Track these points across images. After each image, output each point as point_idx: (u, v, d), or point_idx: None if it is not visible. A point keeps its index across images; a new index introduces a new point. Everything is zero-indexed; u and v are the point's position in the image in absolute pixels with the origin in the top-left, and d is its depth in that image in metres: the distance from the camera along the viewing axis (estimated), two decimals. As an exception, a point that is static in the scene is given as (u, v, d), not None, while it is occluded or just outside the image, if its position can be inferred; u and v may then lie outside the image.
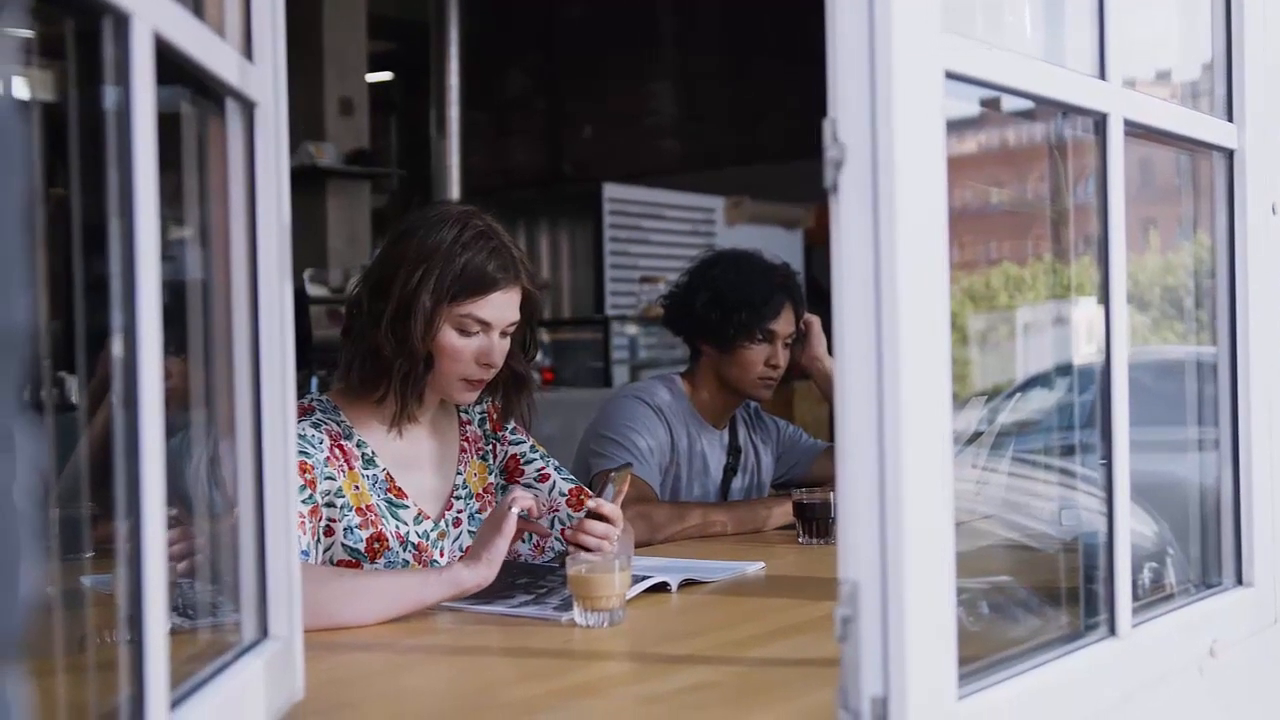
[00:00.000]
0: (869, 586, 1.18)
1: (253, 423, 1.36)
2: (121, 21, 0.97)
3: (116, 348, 1.00)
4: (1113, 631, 1.53)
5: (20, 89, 0.60)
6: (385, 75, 10.71)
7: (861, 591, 1.18)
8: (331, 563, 2.15)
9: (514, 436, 2.45)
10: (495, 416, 2.43)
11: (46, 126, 1.06)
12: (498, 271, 2.20)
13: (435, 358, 2.20)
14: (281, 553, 1.38)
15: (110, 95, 0.99)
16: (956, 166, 1.27)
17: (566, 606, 1.90)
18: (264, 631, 1.37)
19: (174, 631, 1.07)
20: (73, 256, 1.09)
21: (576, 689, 1.60)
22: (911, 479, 1.17)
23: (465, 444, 2.39)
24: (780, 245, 6.98)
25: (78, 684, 1.20)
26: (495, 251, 2.21)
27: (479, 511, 2.36)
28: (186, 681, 1.16)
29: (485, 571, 1.96)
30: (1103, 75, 1.53)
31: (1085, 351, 1.96)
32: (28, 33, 0.88)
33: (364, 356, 2.21)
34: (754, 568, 2.35)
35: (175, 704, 1.08)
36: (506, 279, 2.22)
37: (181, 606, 1.44)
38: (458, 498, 2.34)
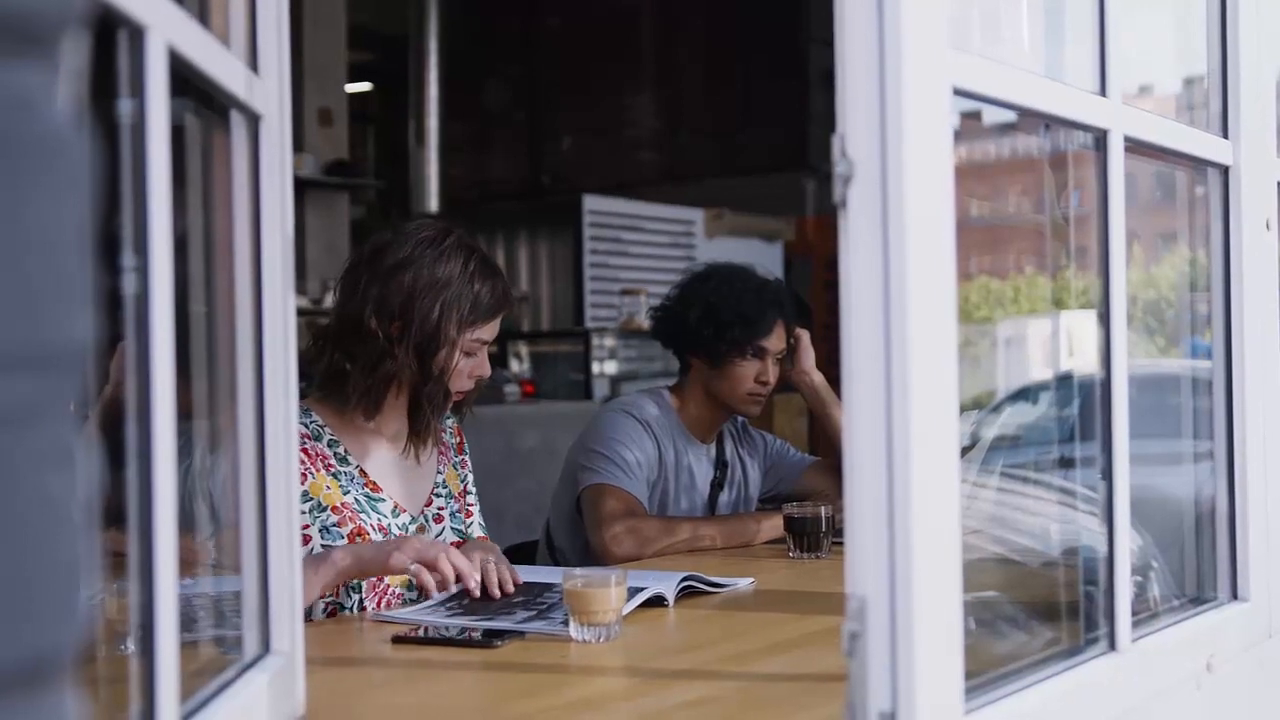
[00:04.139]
0: (877, 602, 1.18)
1: (255, 435, 1.35)
2: (137, 34, 0.97)
3: (128, 358, 0.99)
4: (1113, 646, 1.53)
5: (82, 107, 0.60)
6: (364, 86, 10.70)
7: (869, 607, 1.18)
8: None
9: (467, 464, 2.54)
10: (460, 438, 2.53)
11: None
12: (504, 297, 2.34)
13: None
14: (284, 568, 1.37)
15: (125, 106, 0.98)
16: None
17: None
18: (266, 647, 1.36)
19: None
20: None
21: (576, 704, 1.60)
22: (920, 493, 1.17)
23: (443, 448, 2.48)
24: (760, 258, 6.98)
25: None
26: (498, 277, 2.34)
27: (458, 512, 2.45)
28: (192, 697, 1.15)
29: (349, 561, 2.03)
30: (1103, 91, 1.53)
31: (1070, 366, 1.97)
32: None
33: (380, 383, 2.27)
34: (745, 583, 2.35)
35: (183, 720, 1.07)
36: (508, 301, 2.35)
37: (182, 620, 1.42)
38: (438, 495, 2.43)
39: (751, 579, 2.38)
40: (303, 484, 2.20)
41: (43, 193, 0.54)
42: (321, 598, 2.12)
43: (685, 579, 2.20)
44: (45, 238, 0.54)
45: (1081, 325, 1.71)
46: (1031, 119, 1.62)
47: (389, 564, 2.02)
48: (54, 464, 0.54)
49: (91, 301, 0.57)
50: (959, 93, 1.27)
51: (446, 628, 1.94)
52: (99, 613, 1.46)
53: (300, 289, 7.25)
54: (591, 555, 2.80)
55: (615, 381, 7.34)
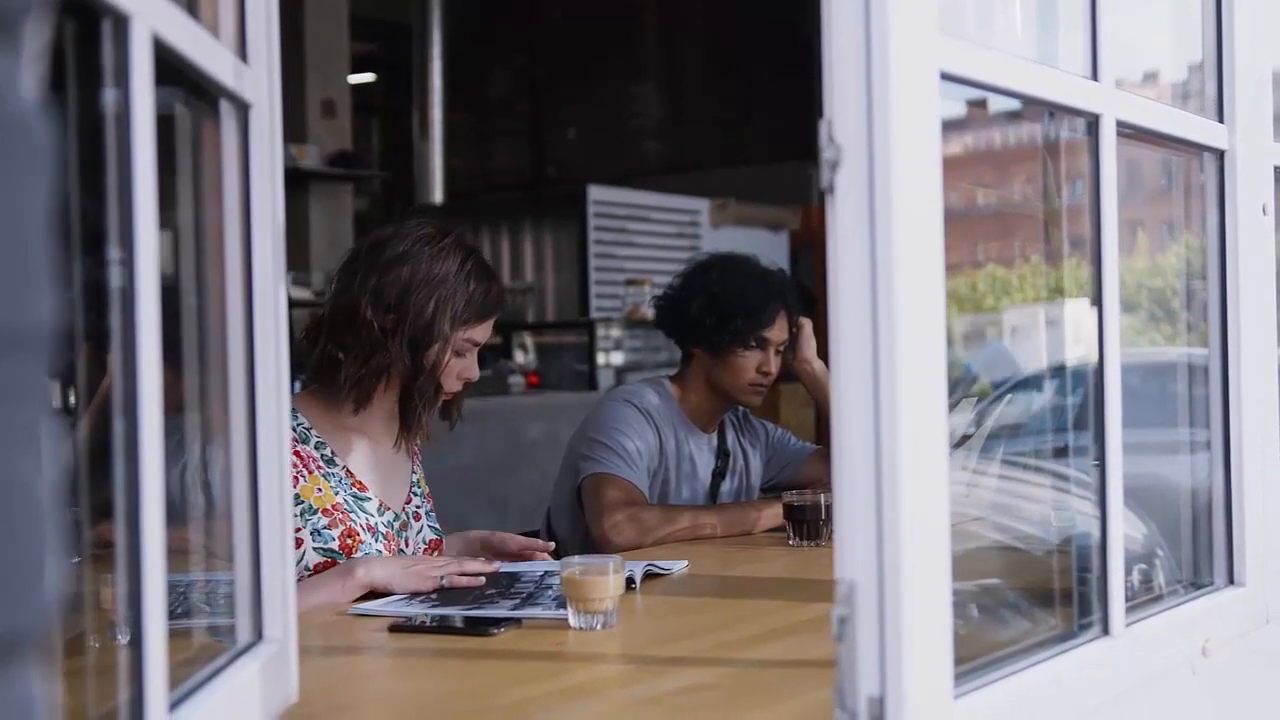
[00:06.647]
0: (866, 586, 1.18)
1: (247, 425, 1.36)
2: (121, 22, 0.97)
3: (114, 351, 1.00)
4: (1106, 631, 1.53)
5: (45, 91, 0.60)
6: (367, 76, 10.70)
7: (858, 591, 1.18)
8: (308, 570, 2.18)
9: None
10: (419, 441, 2.52)
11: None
12: (498, 299, 2.35)
13: None
14: (276, 556, 1.37)
15: (109, 96, 0.98)
16: (943, 168, 1.27)
17: (564, 604, 1.90)
18: (259, 634, 1.36)
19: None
20: (67, 259, 1.08)
21: (572, 690, 1.60)
22: (908, 478, 1.17)
23: (416, 448, 2.50)
24: (766, 248, 6.97)
25: (67, 689, 1.19)
26: (493, 279, 2.36)
27: (430, 511, 2.48)
28: (183, 684, 1.16)
29: (379, 576, 2.12)
30: (1095, 76, 1.53)
31: (1073, 354, 1.96)
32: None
33: (371, 375, 2.29)
34: (679, 566, 2.37)
35: (173, 706, 1.08)
36: (501, 305, 2.37)
37: (173, 610, 1.43)
38: (415, 493, 2.46)
39: (685, 561, 2.39)
40: (294, 487, 2.20)
41: (8, 176, 0.54)
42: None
43: (647, 573, 2.23)
44: (11, 221, 0.54)
45: (1084, 314, 1.71)
46: (1035, 107, 1.62)
47: (422, 586, 2.11)
48: (22, 445, 0.54)
49: (58, 285, 0.58)
50: (947, 77, 1.27)
51: (442, 616, 1.94)
52: (65, 594, 1.47)
53: (304, 281, 7.25)
54: (592, 544, 2.80)
55: (620, 372, 7.34)
